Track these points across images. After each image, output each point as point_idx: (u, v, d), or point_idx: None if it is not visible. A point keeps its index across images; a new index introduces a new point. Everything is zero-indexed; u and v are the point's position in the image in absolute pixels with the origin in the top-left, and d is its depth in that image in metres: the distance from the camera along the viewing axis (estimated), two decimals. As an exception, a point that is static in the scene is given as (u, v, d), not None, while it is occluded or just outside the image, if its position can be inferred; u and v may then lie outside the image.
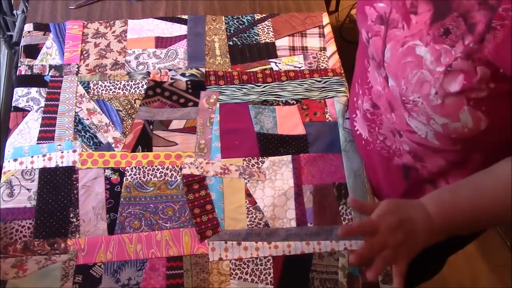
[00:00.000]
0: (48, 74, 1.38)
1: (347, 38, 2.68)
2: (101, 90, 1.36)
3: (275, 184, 1.24)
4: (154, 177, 1.23)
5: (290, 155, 1.28)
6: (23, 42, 1.43)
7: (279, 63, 1.43)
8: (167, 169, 1.24)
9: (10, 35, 1.95)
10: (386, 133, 1.07)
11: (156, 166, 1.24)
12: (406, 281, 0.87)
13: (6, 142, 1.25)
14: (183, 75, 1.39)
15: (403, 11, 0.90)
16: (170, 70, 1.39)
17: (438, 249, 0.94)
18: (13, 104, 1.32)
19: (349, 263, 1.06)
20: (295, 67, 1.42)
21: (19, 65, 1.39)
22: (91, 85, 1.36)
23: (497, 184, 0.86)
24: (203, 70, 1.40)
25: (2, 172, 1.22)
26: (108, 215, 1.18)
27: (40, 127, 1.29)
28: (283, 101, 1.36)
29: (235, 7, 1.53)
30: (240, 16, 1.53)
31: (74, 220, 1.17)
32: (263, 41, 1.46)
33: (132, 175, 1.23)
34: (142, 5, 1.56)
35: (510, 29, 0.75)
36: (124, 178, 1.23)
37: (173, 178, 1.23)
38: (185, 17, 1.52)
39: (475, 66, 0.78)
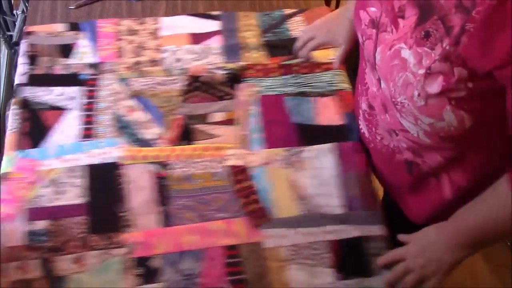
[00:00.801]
0: (84, 73, 1.39)
1: None
2: (140, 87, 1.37)
3: (319, 173, 1.26)
4: (199, 170, 1.25)
5: (331, 144, 1.30)
6: (56, 42, 1.44)
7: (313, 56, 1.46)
8: (211, 161, 1.26)
9: (10, 35, 1.95)
10: (382, 133, 1.11)
11: (200, 159, 1.26)
12: None
13: (48, 141, 1.25)
14: (219, 69, 1.40)
15: (391, 16, 0.94)
16: (208, 65, 1.41)
17: None
18: (52, 103, 1.33)
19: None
20: (329, 59, 1.44)
21: (55, 64, 1.40)
22: (130, 82, 1.38)
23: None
24: (239, 63, 1.42)
25: (48, 170, 1.22)
26: (159, 208, 1.19)
27: (81, 125, 1.30)
28: (320, 92, 1.39)
29: (235, 7, 1.53)
30: (270, 12, 1.56)
31: (126, 214, 1.18)
32: (296, 35, 1.48)
33: (178, 169, 1.25)
34: (142, 5, 1.57)
35: (479, 30, 0.78)
36: (170, 172, 1.24)
37: (218, 170, 1.25)
38: (217, 13, 1.54)
39: (453, 67, 0.82)
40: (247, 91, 1.38)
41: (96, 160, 1.24)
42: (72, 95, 1.34)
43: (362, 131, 1.20)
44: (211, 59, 1.44)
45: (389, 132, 1.08)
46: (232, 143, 1.29)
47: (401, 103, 0.93)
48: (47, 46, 1.44)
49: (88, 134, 1.28)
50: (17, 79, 1.36)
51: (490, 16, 0.76)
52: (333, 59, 1.38)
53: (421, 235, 1.04)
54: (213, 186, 1.23)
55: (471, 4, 0.78)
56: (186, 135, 1.30)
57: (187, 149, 1.27)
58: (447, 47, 0.81)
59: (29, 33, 1.45)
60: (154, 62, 1.42)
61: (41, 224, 1.16)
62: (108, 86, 1.36)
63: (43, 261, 1.11)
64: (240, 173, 1.25)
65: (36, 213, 1.17)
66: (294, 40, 1.48)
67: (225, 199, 1.21)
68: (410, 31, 0.89)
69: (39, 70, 1.39)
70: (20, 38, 1.47)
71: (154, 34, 1.48)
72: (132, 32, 1.48)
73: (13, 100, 1.33)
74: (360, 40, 1.06)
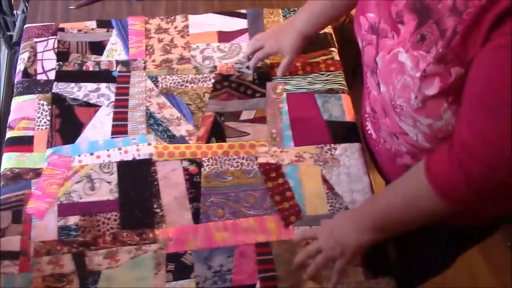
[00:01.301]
0: (115, 70, 1.39)
1: (347, 38, 2.68)
2: (170, 84, 1.37)
3: (350, 170, 1.25)
4: (231, 167, 1.25)
5: (359, 143, 1.29)
6: (87, 39, 1.44)
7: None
8: (242, 159, 1.26)
9: (10, 35, 1.96)
10: (385, 136, 1.11)
11: (231, 156, 1.26)
12: (416, 274, 0.99)
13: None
14: (248, 67, 1.40)
15: (390, 22, 0.93)
16: (236, 63, 1.41)
17: (449, 244, 1.03)
18: (83, 99, 1.33)
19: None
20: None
21: (86, 61, 1.40)
22: (159, 79, 1.38)
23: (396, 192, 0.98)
24: (267, 61, 1.42)
25: (80, 166, 1.23)
26: (191, 205, 1.19)
27: (113, 121, 1.30)
28: (347, 90, 1.38)
29: (235, 7, 1.52)
30: (296, 8, 1.56)
31: (158, 210, 1.18)
32: (322, 32, 1.48)
33: (210, 166, 1.24)
34: (142, 5, 1.56)
35: (469, 27, 0.77)
36: (202, 169, 1.24)
37: (249, 167, 1.25)
38: (243, 11, 1.54)
39: (449, 68, 0.82)
40: (276, 89, 1.38)
41: (128, 157, 1.25)
42: (103, 91, 1.35)
43: (369, 132, 1.19)
44: (239, 58, 1.44)
45: (390, 136, 1.08)
46: (263, 141, 1.28)
47: (400, 106, 0.93)
48: (78, 42, 1.44)
49: (120, 130, 1.29)
50: (45, 75, 1.37)
51: (478, 15, 0.76)
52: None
53: (333, 219, 1.07)
54: (245, 183, 1.22)
55: (463, 6, 0.78)
56: (216, 133, 1.30)
57: (219, 146, 1.27)
58: (441, 50, 0.81)
59: (59, 30, 1.46)
60: (183, 60, 1.42)
61: (73, 220, 1.16)
62: (139, 84, 1.37)
63: (75, 255, 1.12)
64: (272, 170, 1.25)
65: (68, 209, 1.18)
66: (319, 36, 1.47)
67: (257, 196, 1.21)
68: (408, 36, 0.88)
69: (70, 67, 1.39)
70: (20, 38, 1.47)
71: (182, 32, 1.49)
72: (161, 30, 1.48)
73: (40, 96, 1.33)
74: (360, 45, 1.05)
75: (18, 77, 1.37)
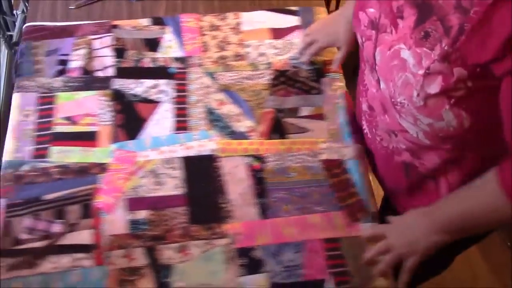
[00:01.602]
0: (172, 66, 1.40)
1: None
2: (227, 81, 1.38)
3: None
4: (294, 163, 1.26)
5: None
6: (142, 36, 1.45)
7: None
8: (305, 155, 1.27)
9: (10, 35, 1.96)
10: (381, 134, 1.12)
11: (294, 152, 1.27)
12: (416, 274, 1.05)
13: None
14: (302, 63, 1.42)
15: (390, 16, 0.94)
16: (291, 59, 1.42)
17: (448, 243, 1.03)
18: (143, 96, 1.34)
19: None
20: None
21: (143, 57, 1.41)
22: (217, 76, 1.39)
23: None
24: (320, 58, 1.43)
25: (145, 161, 1.24)
26: (256, 200, 1.20)
27: (173, 117, 1.31)
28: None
29: (235, 7, 1.52)
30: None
31: (225, 205, 1.19)
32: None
33: (272, 162, 1.26)
34: (142, 5, 1.57)
35: (477, 28, 0.79)
36: (265, 165, 1.25)
37: (312, 164, 1.26)
38: (295, 8, 1.55)
39: (452, 67, 0.83)
40: (332, 86, 1.39)
41: (192, 152, 1.26)
42: (162, 88, 1.36)
43: (365, 131, 1.21)
44: (293, 54, 1.45)
45: (388, 133, 1.09)
46: (324, 137, 1.29)
47: (400, 103, 0.94)
48: (134, 39, 1.45)
49: (181, 126, 1.30)
50: (104, 72, 1.38)
51: (487, 15, 0.77)
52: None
53: (404, 217, 1.06)
54: (309, 179, 1.24)
55: (469, 4, 0.79)
56: (277, 129, 1.31)
57: (281, 142, 1.28)
58: (446, 47, 0.82)
59: (113, 27, 1.47)
60: (238, 57, 1.43)
61: (142, 214, 1.17)
62: (197, 80, 1.38)
63: (147, 249, 1.12)
64: (335, 167, 1.26)
65: (136, 203, 1.18)
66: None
67: (321, 192, 1.22)
68: (409, 32, 0.89)
69: (127, 63, 1.40)
70: (20, 38, 1.47)
71: (235, 29, 1.50)
72: (215, 27, 1.50)
73: (100, 92, 1.34)
74: (360, 41, 1.06)
75: (75, 73, 1.37)
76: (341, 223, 1.18)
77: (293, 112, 1.34)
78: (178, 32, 1.47)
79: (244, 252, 1.14)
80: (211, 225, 1.16)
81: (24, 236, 1.13)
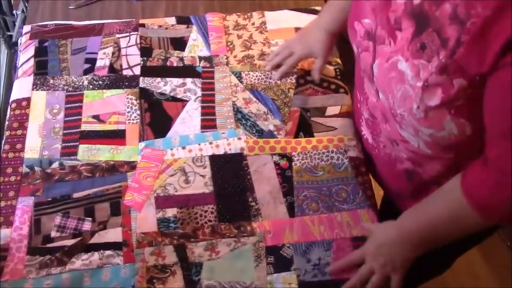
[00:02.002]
0: (199, 65, 1.41)
1: (347, 39, 2.68)
2: (253, 80, 1.39)
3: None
4: (321, 161, 1.26)
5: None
6: (169, 35, 1.46)
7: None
8: (332, 153, 1.27)
9: (10, 35, 1.97)
10: (385, 141, 1.11)
11: (321, 150, 1.27)
12: (417, 275, 1.08)
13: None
14: (329, 63, 1.42)
15: (388, 28, 0.93)
16: (316, 58, 1.42)
17: (449, 245, 1.02)
18: (170, 94, 1.35)
19: None
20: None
21: (169, 56, 1.42)
22: (243, 75, 1.39)
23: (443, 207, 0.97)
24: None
25: (173, 159, 1.24)
26: (285, 199, 1.20)
27: (201, 116, 1.31)
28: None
29: (235, 7, 1.52)
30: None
31: (253, 204, 1.19)
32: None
33: (300, 160, 1.26)
34: (142, 5, 1.57)
35: (474, 40, 0.77)
36: (293, 163, 1.25)
37: (339, 161, 1.26)
38: (318, 8, 1.55)
39: (451, 79, 0.82)
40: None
41: (220, 151, 1.26)
42: (189, 86, 1.37)
43: (365, 137, 1.20)
44: (318, 53, 1.45)
45: (390, 141, 1.08)
46: (350, 135, 1.29)
47: (400, 115, 0.93)
48: (159, 38, 1.45)
49: (209, 125, 1.30)
50: (131, 70, 1.39)
51: (484, 27, 0.76)
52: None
53: (376, 236, 1.06)
54: (337, 177, 1.24)
55: (466, 16, 0.78)
56: (304, 128, 1.31)
57: (308, 141, 1.28)
58: (443, 60, 0.81)
59: (140, 25, 1.47)
60: (264, 56, 1.43)
61: (171, 212, 1.18)
62: (223, 79, 1.38)
63: (176, 247, 1.13)
64: (363, 165, 1.25)
65: (165, 201, 1.19)
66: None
67: (349, 190, 1.22)
68: (406, 44, 0.88)
69: (154, 62, 1.41)
70: (19, 38, 1.47)
71: (260, 28, 1.50)
72: (240, 26, 1.50)
73: (127, 90, 1.35)
74: (356, 51, 1.06)
75: (103, 72, 1.38)
76: (368, 221, 1.18)
77: (320, 111, 1.34)
78: (204, 31, 1.47)
79: (272, 250, 1.14)
80: (240, 223, 1.16)
81: (54, 234, 1.13)
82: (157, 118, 1.30)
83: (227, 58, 1.42)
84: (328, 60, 1.35)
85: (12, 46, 1.91)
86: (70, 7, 1.54)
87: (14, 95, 1.32)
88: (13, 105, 1.30)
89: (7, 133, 1.26)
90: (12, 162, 1.22)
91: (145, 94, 1.34)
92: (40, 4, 1.56)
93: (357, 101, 1.18)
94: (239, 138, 1.27)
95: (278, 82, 1.38)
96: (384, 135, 1.09)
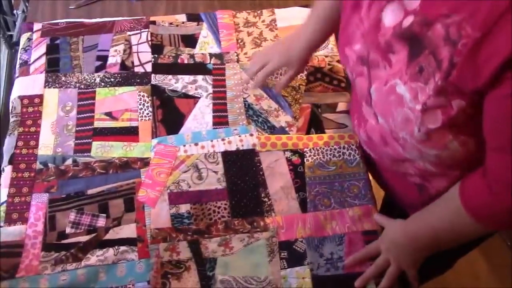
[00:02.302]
0: (210, 62, 1.41)
1: None
2: (264, 77, 1.39)
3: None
4: (333, 157, 1.27)
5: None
6: (179, 32, 1.47)
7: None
8: (343, 148, 1.28)
9: (10, 35, 1.97)
10: (388, 161, 1.12)
11: (332, 146, 1.28)
12: (418, 274, 1.07)
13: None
14: (338, 61, 1.42)
15: (380, 52, 0.93)
16: (326, 56, 1.43)
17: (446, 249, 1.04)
18: (182, 91, 1.36)
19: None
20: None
21: (180, 53, 1.43)
22: (253, 72, 1.40)
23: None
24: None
25: (186, 155, 1.25)
26: (297, 194, 1.21)
27: (213, 112, 1.32)
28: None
29: (235, 7, 1.52)
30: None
31: (266, 199, 1.20)
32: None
33: (312, 156, 1.27)
34: (142, 5, 1.57)
35: (466, 60, 0.78)
36: (305, 159, 1.26)
37: (351, 157, 1.27)
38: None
39: (450, 100, 0.82)
40: (369, 82, 1.39)
41: (232, 147, 1.27)
42: (201, 83, 1.37)
43: (367, 152, 1.21)
44: (327, 51, 1.46)
45: (395, 161, 1.08)
46: (362, 132, 1.30)
47: (403, 138, 0.94)
48: (170, 35, 1.46)
49: (220, 121, 1.31)
50: (142, 67, 1.40)
51: (475, 48, 0.76)
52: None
53: (387, 230, 1.10)
54: (349, 173, 1.24)
55: (457, 36, 0.78)
56: (315, 124, 1.32)
57: (319, 137, 1.29)
58: (439, 82, 0.81)
59: (151, 22, 1.48)
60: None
61: (184, 208, 1.18)
62: (234, 76, 1.39)
63: (190, 243, 1.14)
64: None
65: (178, 197, 1.20)
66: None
67: (360, 186, 1.23)
68: (404, 67, 0.88)
69: (165, 59, 1.42)
70: (20, 37, 1.48)
71: (270, 25, 1.51)
72: (250, 23, 1.51)
73: (139, 87, 1.35)
74: (350, 76, 1.06)
75: (114, 69, 1.39)
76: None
77: (331, 107, 1.35)
78: (214, 29, 1.48)
79: (285, 245, 1.15)
80: (253, 219, 1.17)
81: (69, 230, 1.14)
82: (169, 115, 1.31)
83: (237, 55, 1.43)
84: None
85: (13, 46, 1.91)
86: (70, 7, 1.55)
87: (20, 92, 1.33)
88: (25, 101, 1.31)
89: (20, 129, 1.26)
90: (26, 159, 1.23)
91: (157, 91, 1.35)
92: (40, 4, 1.56)
93: (355, 118, 1.19)
94: (251, 135, 1.28)
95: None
96: (386, 157, 1.10)
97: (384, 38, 0.90)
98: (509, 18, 0.71)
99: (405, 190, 1.16)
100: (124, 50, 1.42)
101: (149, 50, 1.42)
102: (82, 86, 1.35)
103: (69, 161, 1.24)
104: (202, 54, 1.43)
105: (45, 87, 1.34)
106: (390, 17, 0.89)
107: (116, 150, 1.25)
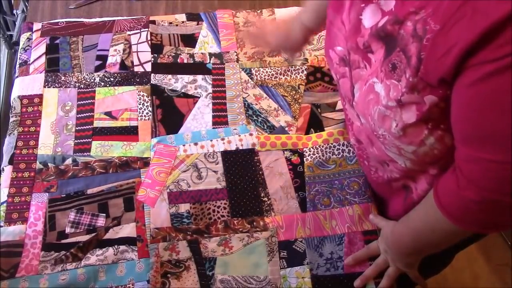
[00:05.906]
0: (209, 62, 1.41)
1: None
2: (264, 76, 1.39)
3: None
4: (332, 155, 1.27)
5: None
6: (179, 31, 1.47)
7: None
8: (343, 145, 1.28)
9: (10, 35, 1.97)
10: (375, 164, 1.12)
11: (332, 144, 1.28)
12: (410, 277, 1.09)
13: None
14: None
15: (359, 52, 0.94)
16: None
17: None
18: (182, 91, 1.35)
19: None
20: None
21: (180, 53, 1.42)
22: (253, 71, 1.40)
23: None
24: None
25: (186, 155, 1.25)
26: (297, 194, 1.21)
27: (212, 112, 1.32)
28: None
29: (235, 7, 1.53)
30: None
31: (266, 199, 1.20)
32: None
33: (311, 155, 1.27)
34: (142, 4, 1.58)
35: (430, 54, 0.77)
36: (304, 159, 1.26)
37: (351, 154, 1.27)
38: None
39: (422, 96, 0.82)
40: (368, 81, 1.39)
41: (231, 147, 1.27)
42: (200, 83, 1.37)
43: (360, 160, 1.20)
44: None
45: (381, 164, 1.08)
46: (362, 127, 1.30)
47: (382, 135, 0.94)
48: (170, 35, 1.46)
49: (220, 121, 1.31)
50: (142, 67, 1.40)
51: (436, 41, 0.76)
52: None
53: (382, 232, 1.10)
54: (349, 170, 1.24)
55: (423, 32, 0.78)
56: (314, 123, 1.32)
57: (318, 135, 1.29)
58: (410, 78, 0.81)
59: (150, 22, 1.48)
60: (274, 52, 1.44)
61: (184, 207, 1.19)
62: (233, 75, 1.39)
63: (190, 242, 1.14)
64: (373, 159, 1.26)
65: (178, 197, 1.20)
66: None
67: (361, 183, 1.23)
68: (380, 65, 0.89)
69: (165, 59, 1.42)
70: (19, 37, 1.48)
71: (270, 25, 1.50)
72: (250, 23, 1.50)
73: (139, 87, 1.35)
74: (335, 78, 1.07)
75: (114, 69, 1.39)
76: (380, 214, 1.18)
77: (331, 107, 1.35)
78: (214, 28, 1.48)
79: (285, 245, 1.15)
80: (253, 218, 1.18)
81: (69, 230, 1.15)
82: (169, 114, 1.31)
83: (237, 54, 1.43)
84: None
85: (12, 46, 1.91)
86: (70, 7, 1.55)
87: (20, 91, 1.33)
88: (25, 101, 1.31)
89: (20, 129, 1.26)
90: (26, 158, 1.23)
91: (156, 91, 1.35)
92: (40, 3, 1.56)
93: (347, 131, 1.19)
94: (251, 134, 1.28)
95: (288, 78, 1.38)
96: (373, 159, 1.10)
97: (363, 39, 0.91)
98: (466, 9, 0.71)
99: (391, 197, 1.15)
100: (124, 50, 1.42)
101: (149, 49, 1.43)
102: (82, 86, 1.35)
103: (68, 161, 1.23)
104: (202, 53, 1.43)
105: (44, 86, 1.34)
106: (369, 19, 0.90)
107: (115, 149, 1.26)
